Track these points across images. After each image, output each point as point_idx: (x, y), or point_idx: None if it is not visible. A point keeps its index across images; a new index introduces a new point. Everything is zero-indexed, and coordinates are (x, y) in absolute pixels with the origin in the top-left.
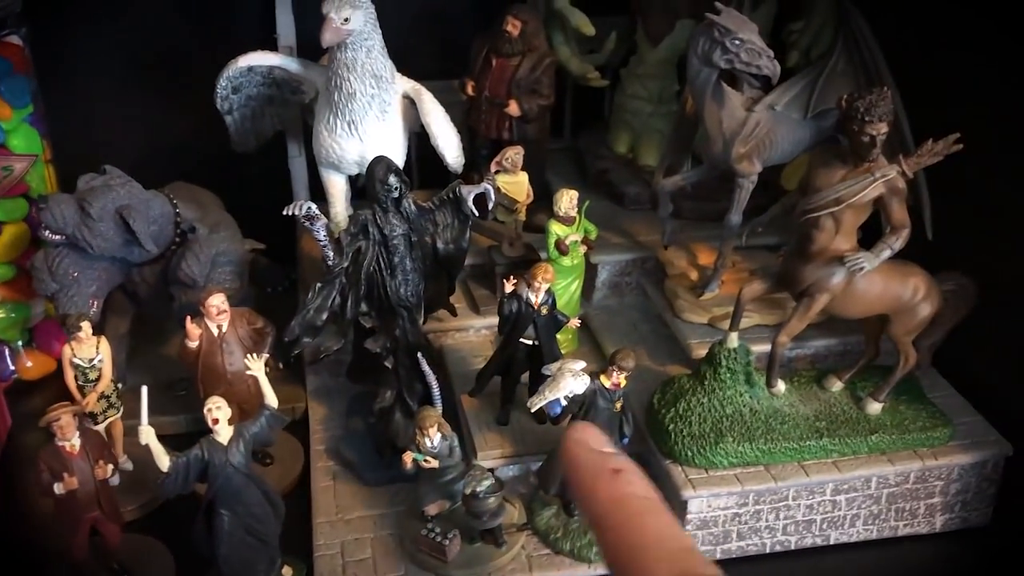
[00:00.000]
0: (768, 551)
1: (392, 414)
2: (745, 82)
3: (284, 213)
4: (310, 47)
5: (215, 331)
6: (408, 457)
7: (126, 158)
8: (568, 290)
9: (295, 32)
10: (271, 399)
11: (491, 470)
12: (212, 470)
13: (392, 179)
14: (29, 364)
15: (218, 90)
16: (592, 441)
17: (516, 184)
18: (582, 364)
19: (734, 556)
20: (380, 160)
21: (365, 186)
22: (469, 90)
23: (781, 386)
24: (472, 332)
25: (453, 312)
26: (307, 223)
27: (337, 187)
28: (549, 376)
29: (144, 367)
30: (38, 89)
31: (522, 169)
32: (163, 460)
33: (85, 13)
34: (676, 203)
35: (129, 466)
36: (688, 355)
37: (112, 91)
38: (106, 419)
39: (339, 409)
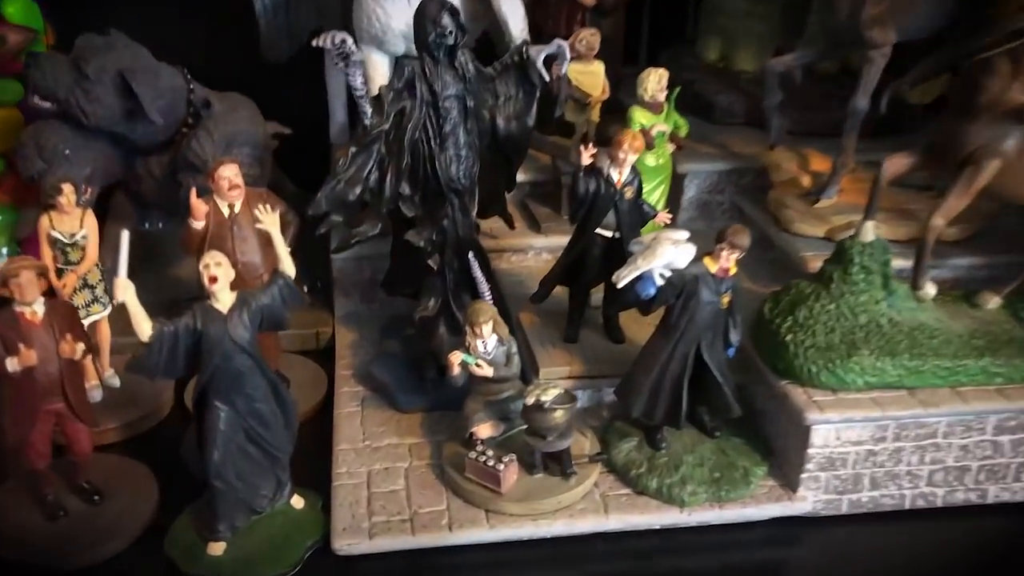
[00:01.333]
0: (907, 506)
1: (435, 327)
2: None
3: (313, 44)
4: None
5: (225, 211)
6: (455, 358)
7: None
8: (651, 197)
9: None
10: (287, 265)
11: None
12: (207, 345)
13: (446, 19)
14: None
15: None
16: None
17: (590, 74)
18: (686, 233)
19: (864, 511)
20: None
21: (414, 33)
22: None
23: (931, 289)
24: (531, 255)
25: (510, 223)
26: (341, 63)
27: (379, 71)
28: (639, 248)
29: (146, 285)
30: None
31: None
32: (144, 326)
33: None
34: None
35: (116, 382)
36: (800, 273)
37: None
38: (89, 315)
39: (370, 337)
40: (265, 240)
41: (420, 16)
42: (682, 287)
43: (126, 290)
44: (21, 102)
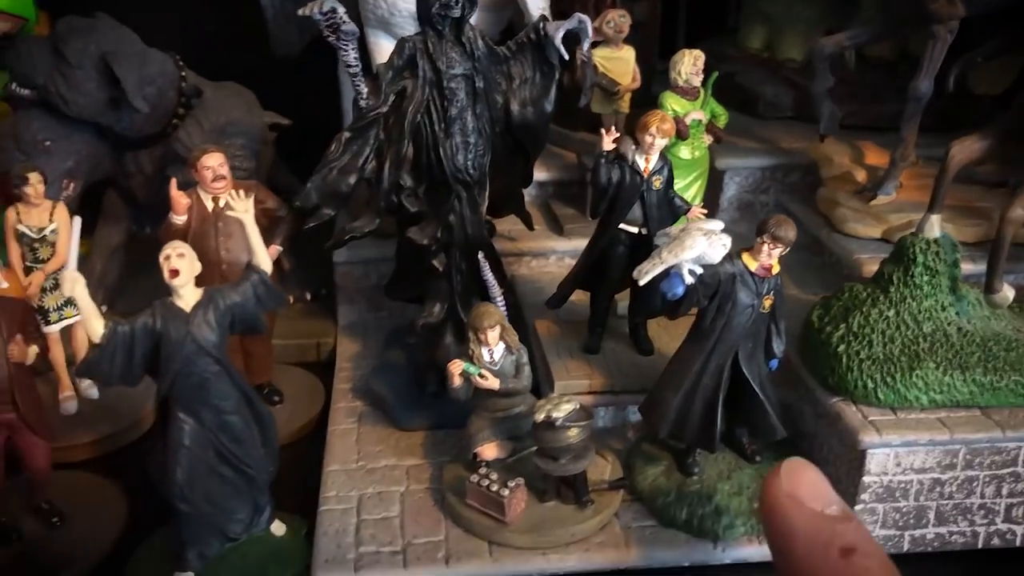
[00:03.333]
0: (980, 545)
1: (441, 335)
2: None
3: (300, 12)
4: None
5: (209, 204)
6: (457, 368)
7: None
8: (686, 194)
9: None
10: (263, 259)
11: None
12: (167, 347)
13: None
14: (5, 285)
15: None
16: (811, 494)
17: (619, 61)
18: (720, 223)
19: (929, 549)
20: None
21: (416, 5)
22: None
23: (1008, 292)
24: (553, 259)
25: (529, 224)
26: (331, 36)
27: (387, 56)
28: (666, 240)
29: (138, 291)
30: None
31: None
32: (95, 324)
33: None
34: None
35: (94, 392)
36: (854, 279)
37: None
38: (62, 319)
39: (374, 348)
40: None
41: None
42: (716, 287)
43: (75, 283)
44: (7, 94)
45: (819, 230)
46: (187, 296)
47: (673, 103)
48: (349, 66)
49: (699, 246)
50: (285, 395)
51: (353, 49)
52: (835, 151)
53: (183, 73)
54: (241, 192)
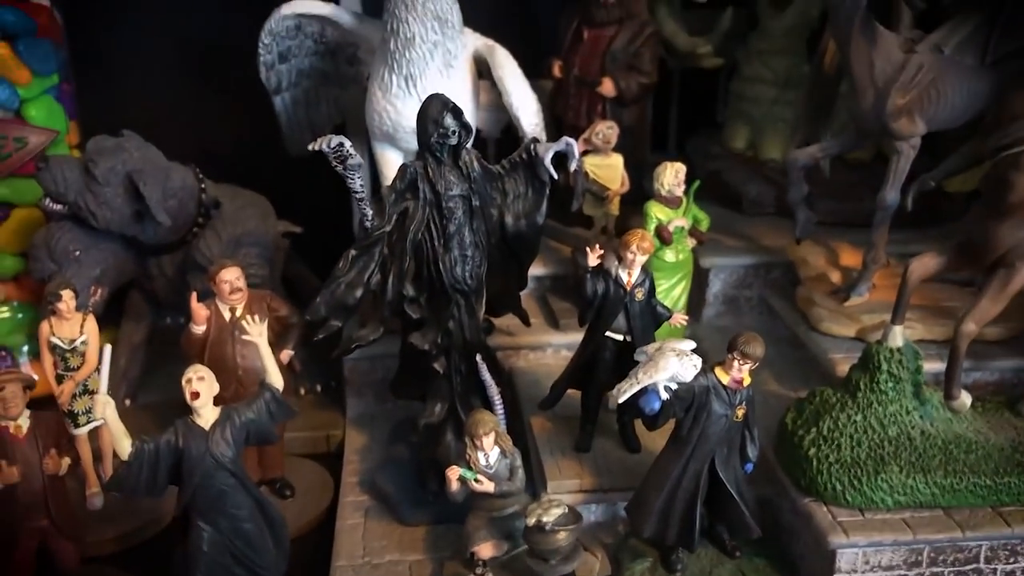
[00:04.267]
0: None
1: (441, 434)
2: (906, 5)
3: (310, 148)
4: None
5: (227, 314)
6: (454, 474)
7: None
8: (671, 294)
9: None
10: (275, 377)
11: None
12: (188, 463)
13: (449, 120)
14: (35, 378)
15: (261, 52)
16: None
17: (608, 167)
18: (691, 344)
19: None
20: (435, 97)
21: (417, 133)
22: (556, 71)
23: (966, 399)
24: (550, 352)
25: (525, 320)
26: (338, 165)
27: (392, 167)
28: (644, 359)
29: (161, 386)
30: (69, 62)
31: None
32: (123, 443)
33: None
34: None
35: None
36: (830, 376)
37: (155, 78)
38: (90, 421)
39: (381, 439)
40: (269, 341)
41: (422, 116)
42: (691, 400)
43: (106, 406)
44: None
45: (797, 327)
46: (206, 415)
47: (657, 211)
48: (355, 192)
49: (672, 367)
50: (296, 488)
51: (359, 178)
52: (811, 253)
53: (203, 186)
54: (256, 317)
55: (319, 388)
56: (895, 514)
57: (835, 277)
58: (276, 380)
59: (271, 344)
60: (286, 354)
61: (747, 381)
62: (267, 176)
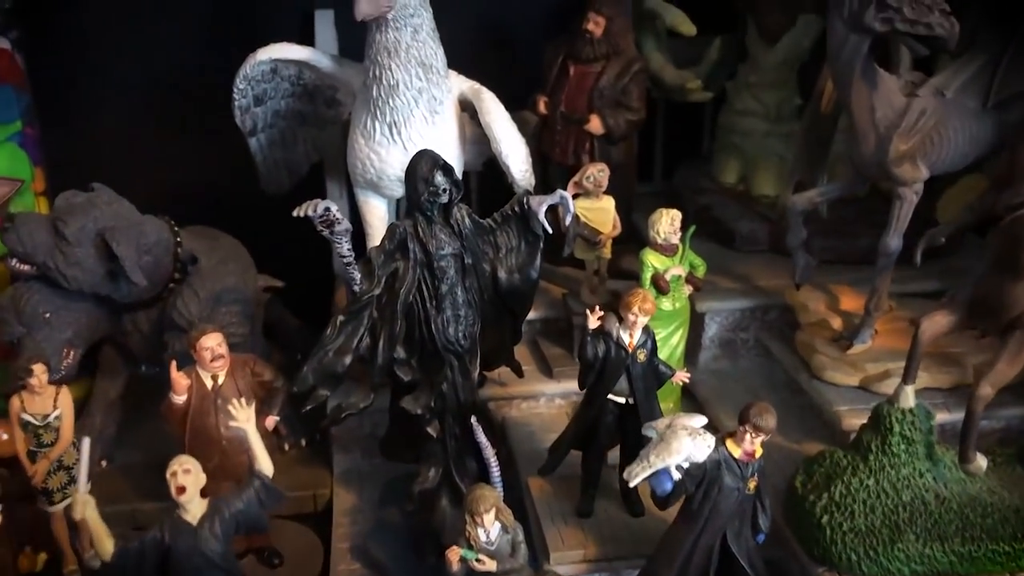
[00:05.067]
0: None
1: (436, 499)
2: (908, 49)
3: (295, 214)
4: None
5: (208, 383)
6: (454, 555)
7: (137, 200)
8: (668, 343)
9: (337, 47)
10: (264, 463)
11: None
12: (176, 561)
13: (439, 178)
14: (4, 437)
15: (236, 96)
16: None
17: (599, 211)
18: (703, 420)
19: None
20: (424, 154)
21: (405, 191)
22: (541, 107)
23: (982, 462)
24: (543, 401)
25: (519, 372)
26: (325, 230)
27: (376, 215)
28: (654, 437)
29: (137, 443)
30: (32, 107)
31: (606, 194)
32: (105, 545)
33: (96, 31)
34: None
35: (96, 563)
36: (835, 428)
37: (124, 119)
38: (66, 498)
39: (371, 498)
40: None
41: (411, 174)
42: (702, 476)
43: (86, 506)
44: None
45: (798, 373)
46: (193, 509)
47: (653, 260)
48: (343, 256)
49: (685, 448)
50: (284, 556)
51: (347, 242)
52: (811, 298)
53: (178, 239)
54: (243, 400)
55: (304, 442)
56: None
57: (836, 323)
58: (266, 466)
59: (255, 409)
60: (271, 420)
61: (759, 453)
62: (244, 216)
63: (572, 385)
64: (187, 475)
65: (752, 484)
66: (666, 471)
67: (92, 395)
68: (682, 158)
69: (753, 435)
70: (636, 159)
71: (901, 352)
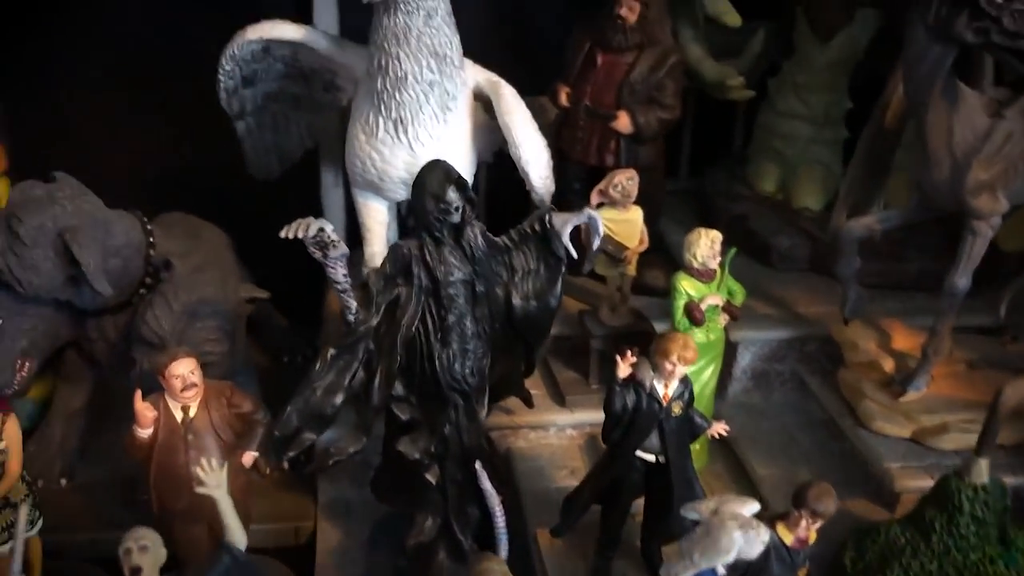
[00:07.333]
0: None
1: (433, 554)
2: (1005, 66)
3: (283, 234)
4: None
5: (178, 415)
6: None
7: (111, 185)
8: (700, 378)
9: (338, 28)
10: (236, 534)
11: None
12: None
13: (451, 193)
14: None
15: (221, 78)
16: None
17: (626, 223)
18: (754, 506)
19: None
20: (435, 165)
21: (411, 207)
22: (563, 99)
23: None
24: (554, 432)
25: (528, 402)
26: (318, 253)
27: (376, 219)
28: (699, 525)
29: (103, 458)
30: None
31: (635, 203)
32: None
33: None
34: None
35: None
36: (883, 486)
37: (97, 95)
38: (11, 539)
39: (359, 535)
40: (228, 447)
41: (419, 189)
42: (746, 568)
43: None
44: None
45: (841, 418)
46: None
47: (688, 286)
48: (337, 283)
49: (735, 546)
50: None
51: (342, 267)
52: (860, 335)
53: (151, 239)
54: (213, 461)
55: (286, 465)
56: None
57: (888, 365)
58: (236, 536)
59: (230, 445)
60: (249, 456)
61: (812, 539)
62: (227, 202)
63: (586, 415)
64: (143, 554)
65: (802, 573)
66: (711, 570)
67: (52, 404)
68: (711, 153)
69: (810, 521)
70: (665, 162)
71: (959, 402)
